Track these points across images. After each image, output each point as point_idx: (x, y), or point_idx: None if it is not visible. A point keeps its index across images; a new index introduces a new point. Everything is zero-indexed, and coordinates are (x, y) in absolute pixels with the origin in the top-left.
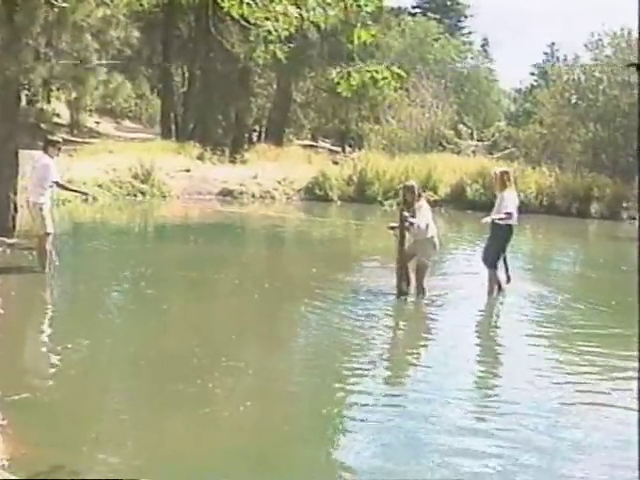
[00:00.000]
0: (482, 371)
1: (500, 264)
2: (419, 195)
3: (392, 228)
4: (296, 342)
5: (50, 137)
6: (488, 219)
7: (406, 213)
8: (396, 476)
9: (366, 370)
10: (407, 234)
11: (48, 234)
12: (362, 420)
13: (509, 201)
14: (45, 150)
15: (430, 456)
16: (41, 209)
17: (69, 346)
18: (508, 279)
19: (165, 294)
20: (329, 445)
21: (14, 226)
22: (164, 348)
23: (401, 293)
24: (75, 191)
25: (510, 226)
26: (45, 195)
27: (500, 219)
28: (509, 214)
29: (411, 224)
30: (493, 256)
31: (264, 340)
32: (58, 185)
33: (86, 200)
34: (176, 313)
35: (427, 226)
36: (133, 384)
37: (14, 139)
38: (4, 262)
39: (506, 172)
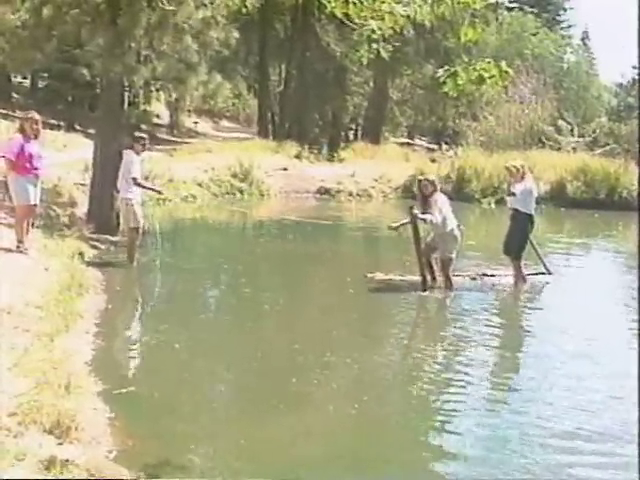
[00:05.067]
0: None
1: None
2: (435, 189)
3: (395, 229)
4: (395, 337)
5: (136, 134)
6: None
7: (415, 210)
8: None
9: (466, 367)
10: (420, 229)
11: (136, 229)
12: (468, 423)
13: (526, 192)
14: (131, 147)
15: (533, 456)
16: (128, 204)
17: (176, 345)
18: (548, 271)
19: (262, 291)
20: (435, 446)
21: (118, 224)
22: (267, 344)
23: (425, 287)
24: (150, 189)
25: (530, 216)
26: (133, 190)
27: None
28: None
29: (423, 220)
30: (517, 247)
31: (364, 335)
32: (135, 182)
33: (164, 200)
34: (274, 309)
35: (444, 219)
36: (237, 381)
37: (117, 140)
38: (108, 259)
39: (522, 165)
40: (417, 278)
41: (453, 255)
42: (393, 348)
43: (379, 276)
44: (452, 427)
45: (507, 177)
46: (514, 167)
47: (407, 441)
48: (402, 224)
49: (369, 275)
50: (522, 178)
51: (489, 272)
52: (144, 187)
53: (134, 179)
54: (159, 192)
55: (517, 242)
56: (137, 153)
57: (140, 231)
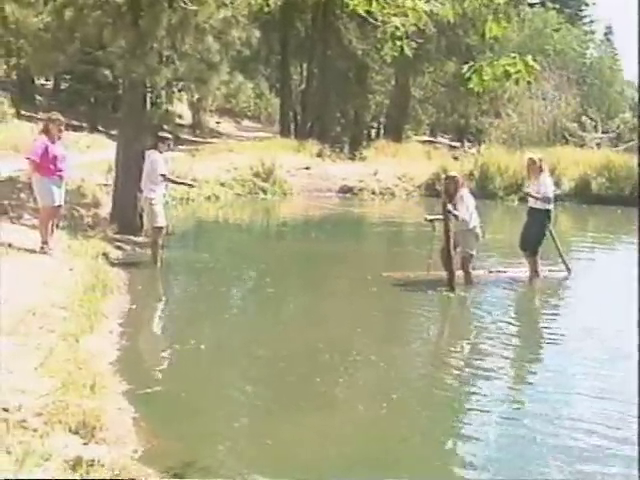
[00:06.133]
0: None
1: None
2: (461, 186)
3: (430, 221)
4: (419, 335)
5: (160, 134)
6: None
7: (450, 205)
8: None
9: (491, 364)
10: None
11: (159, 228)
12: (493, 421)
13: (548, 187)
14: (155, 146)
15: (552, 457)
16: (151, 203)
17: (201, 346)
18: (568, 269)
19: (286, 290)
20: (461, 446)
21: (141, 224)
22: (291, 344)
23: (452, 286)
24: (182, 183)
25: (548, 211)
26: (155, 190)
27: (537, 200)
28: (548, 199)
29: (455, 216)
30: (534, 242)
31: (389, 334)
32: (165, 178)
33: (187, 200)
34: (298, 308)
35: (470, 216)
36: (262, 381)
37: (140, 140)
38: (132, 259)
39: (541, 159)
40: (434, 275)
41: (474, 252)
42: (417, 347)
43: (396, 275)
44: (480, 419)
45: (526, 172)
46: (532, 160)
47: (437, 441)
48: (437, 218)
49: (385, 274)
50: (540, 171)
51: (506, 268)
52: (175, 182)
53: (163, 175)
54: (190, 185)
55: (534, 238)
56: (161, 152)
57: (164, 231)
